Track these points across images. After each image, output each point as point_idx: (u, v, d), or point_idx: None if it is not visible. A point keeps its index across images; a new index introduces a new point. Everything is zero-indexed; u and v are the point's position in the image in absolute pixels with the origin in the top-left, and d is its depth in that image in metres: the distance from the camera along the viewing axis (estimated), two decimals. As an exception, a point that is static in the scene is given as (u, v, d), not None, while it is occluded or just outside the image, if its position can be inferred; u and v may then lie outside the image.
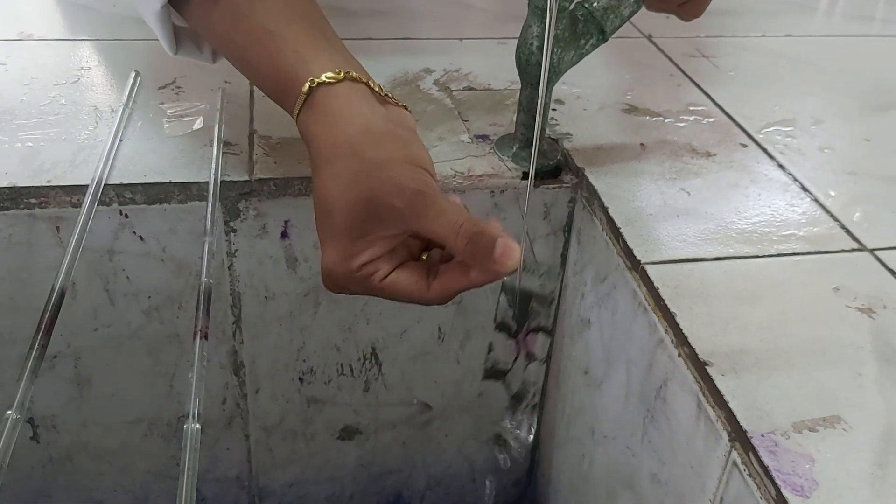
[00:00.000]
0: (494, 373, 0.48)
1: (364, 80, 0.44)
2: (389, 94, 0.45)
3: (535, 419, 0.49)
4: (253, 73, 0.48)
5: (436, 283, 0.42)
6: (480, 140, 0.64)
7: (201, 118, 0.63)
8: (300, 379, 0.67)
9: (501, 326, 0.47)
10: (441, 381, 0.71)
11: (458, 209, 0.41)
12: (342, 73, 0.43)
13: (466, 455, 0.77)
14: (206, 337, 0.42)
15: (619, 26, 0.59)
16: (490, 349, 0.48)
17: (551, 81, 0.59)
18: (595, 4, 0.57)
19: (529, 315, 0.47)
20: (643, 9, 0.60)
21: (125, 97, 0.64)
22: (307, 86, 0.43)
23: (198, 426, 0.37)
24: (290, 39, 0.45)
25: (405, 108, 0.46)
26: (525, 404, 0.50)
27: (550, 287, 0.46)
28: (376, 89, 0.45)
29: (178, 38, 0.53)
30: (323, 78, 0.43)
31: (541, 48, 0.56)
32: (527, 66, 0.57)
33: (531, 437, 0.52)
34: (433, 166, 0.44)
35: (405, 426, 0.73)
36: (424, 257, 0.44)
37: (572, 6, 0.57)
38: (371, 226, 0.40)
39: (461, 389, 0.72)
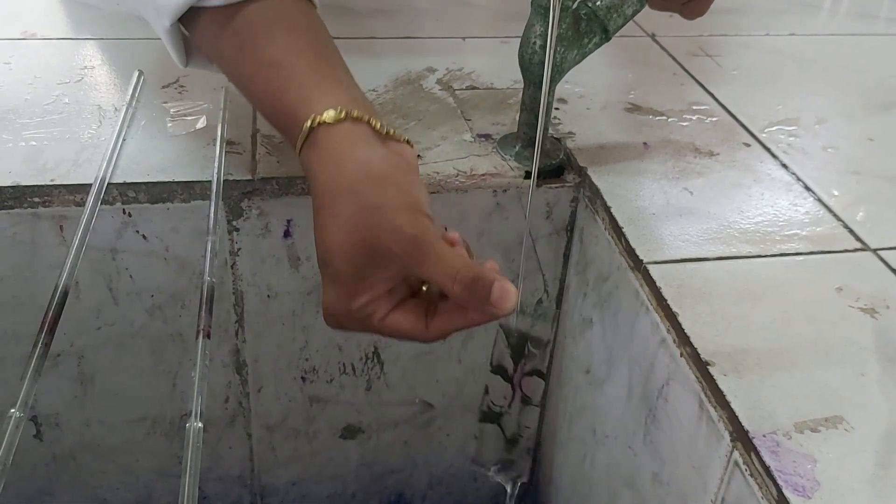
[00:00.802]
0: (490, 416, 0.49)
1: (366, 119, 0.44)
2: (391, 131, 0.45)
3: (531, 462, 0.49)
4: (257, 103, 0.48)
5: (434, 322, 0.43)
6: (483, 139, 0.64)
7: (204, 117, 0.63)
8: (302, 378, 0.68)
9: (498, 369, 0.48)
10: (443, 381, 0.71)
11: (455, 255, 0.41)
12: (343, 113, 0.43)
13: (468, 454, 0.77)
14: (208, 336, 0.42)
15: (623, 25, 0.59)
16: (486, 391, 0.48)
17: (554, 80, 0.59)
18: (598, 3, 0.57)
19: (525, 357, 0.48)
20: (646, 8, 0.60)
21: (128, 96, 0.64)
22: (308, 124, 0.43)
23: (200, 425, 0.37)
24: (297, 72, 0.45)
25: (407, 141, 0.46)
26: (521, 447, 0.50)
27: (546, 330, 0.46)
28: (377, 127, 0.44)
29: (188, 49, 0.53)
30: (325, 117, 0.43)
31: (543, 47, 0.56)
32: (530, 65, 0.57)
33: (524, 478, 0.52)
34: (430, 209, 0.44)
35: (407, 425, 0.73)
36: (424, 288, 0.45)
37: (575, 5, 0.57)
38: (370, 269, 0.41)
39: (463, 389, 0.72)
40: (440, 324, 0.42)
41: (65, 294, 0.44)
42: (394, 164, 0.43)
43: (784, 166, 0.63)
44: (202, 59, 0.54)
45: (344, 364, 0.68)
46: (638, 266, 0.52)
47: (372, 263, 0.41)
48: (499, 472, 0.52)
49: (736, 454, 0.41)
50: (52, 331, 0.42)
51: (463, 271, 0.40)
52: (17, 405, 0.37)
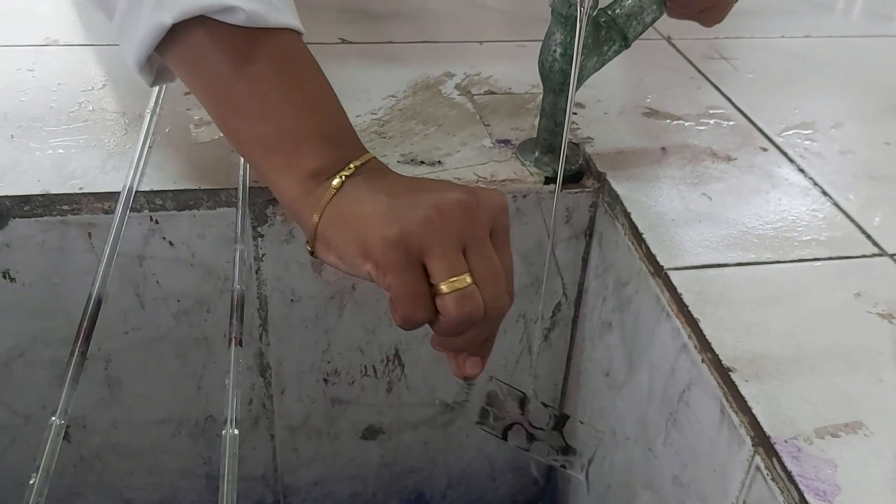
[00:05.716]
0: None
1: None
2: None
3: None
4: (291, 128, 0.43)
5: None
6: (502, 145, 0.64)
7: (228, 124, 0.64)
8: (325, 380, 0.69)
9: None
10: (462, 383, 0.72)
11: None
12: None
13: (487, 454, 0.78)
14: (240, 343, 0.43)
15: (642, 32, 0.59)
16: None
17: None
18: (618, 11, 0.58)
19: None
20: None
21: (152, 103, 0.65)
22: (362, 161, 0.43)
23: (236, 432, 0.38)
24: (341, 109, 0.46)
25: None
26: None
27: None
28: None
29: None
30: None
31: (563, 55, 0.56)
32: (550, 73, 0.58)
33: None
34: None
35: (427, 426, 0.74)
36: None
37: (595, 13, 0.57)
38: None
39: (482, 390, 0.73)
40: None
41: (98, 302, 0.45)
42: None
43: (801, 171, 0.64)
44: (167, 77, 0.49)
45: (365, 366, 0.68)
46: (658, 272, 0.52)
47: None
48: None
49: (757, 459, 0.42)
50: (87, 339, 0.43)
51: None
52: (58, 413, 0.38)
